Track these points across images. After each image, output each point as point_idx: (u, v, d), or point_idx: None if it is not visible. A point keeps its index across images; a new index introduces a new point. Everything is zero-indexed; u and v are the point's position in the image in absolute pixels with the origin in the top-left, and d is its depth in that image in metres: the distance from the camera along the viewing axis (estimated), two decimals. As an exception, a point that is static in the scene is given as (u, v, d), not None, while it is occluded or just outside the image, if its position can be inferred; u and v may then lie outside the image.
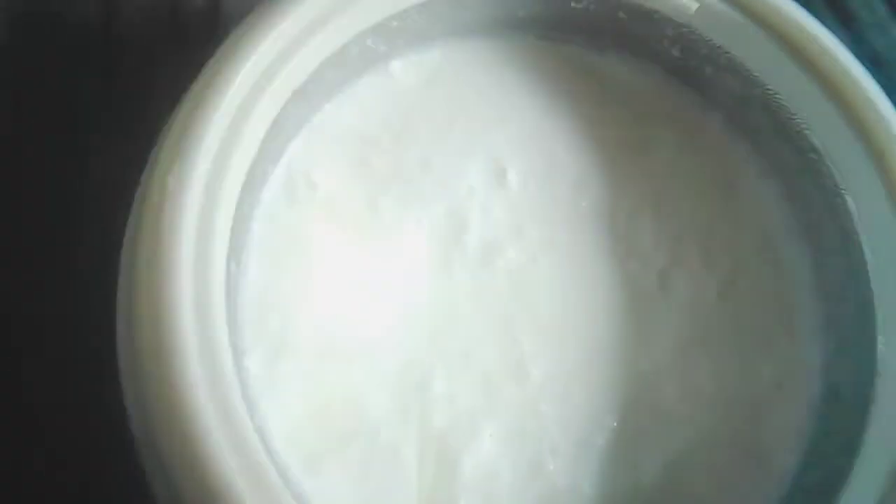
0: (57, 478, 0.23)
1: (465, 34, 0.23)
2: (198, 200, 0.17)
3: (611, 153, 0.24)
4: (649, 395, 0.22)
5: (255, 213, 0.21)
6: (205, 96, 0.18)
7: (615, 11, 0.23)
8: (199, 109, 0.18)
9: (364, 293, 0.21)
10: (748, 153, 0.24)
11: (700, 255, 0.23)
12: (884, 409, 0.20)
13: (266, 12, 0.19)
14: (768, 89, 0.23)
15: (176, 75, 0.19)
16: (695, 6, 0.22)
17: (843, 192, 0.22)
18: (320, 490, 0.19)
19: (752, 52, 0.22)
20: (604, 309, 0.22)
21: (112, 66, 0.27)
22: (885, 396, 0.20)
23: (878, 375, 0.20)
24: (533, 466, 0.21)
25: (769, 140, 0.24)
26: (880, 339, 0.21)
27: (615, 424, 0.21)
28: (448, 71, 0.23)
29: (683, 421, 0.22)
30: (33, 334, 0.24)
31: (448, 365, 0.21)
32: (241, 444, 0.16)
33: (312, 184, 0.22)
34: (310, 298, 0.21)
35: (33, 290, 0.24)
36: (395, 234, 0.22)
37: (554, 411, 0.21)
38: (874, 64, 0.22)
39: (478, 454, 0.20)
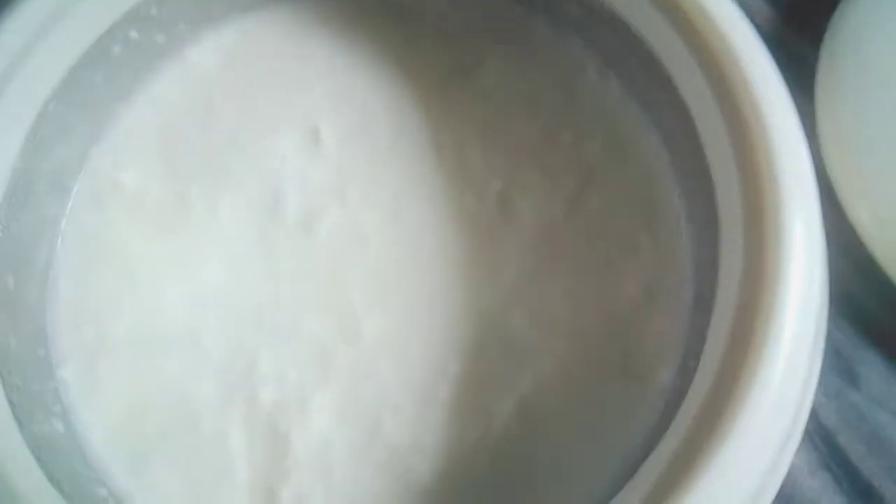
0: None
1: (253, 8, 0.23)
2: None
3: (430, 90, 0.22)
4: (495, 332, 0.20)
5: (62, 226, 0.21)
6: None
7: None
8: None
9: (183, 286, 0.21)
10: (582, 51, 0.22)
11: (541, 172, 0.21)
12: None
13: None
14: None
15: None
16: None
17: (672, 78, 0.19)
18: (148, 489, 0.19)
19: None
20: (439, 251, 0.21)
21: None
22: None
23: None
24: (370, 431, 0.19)
25: (600, 36, 0.21)
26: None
27: (459, 370, 0.20)
28: (246, 46, 0.23)
29: (537, 351, 0.20)
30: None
31: (275, 342, 0.20)
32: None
33: (120, 186, 0.21)
34: (126, 300, 0.20)
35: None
36: (209, 221, 0.21)
37: (391, 369, 0.20)
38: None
39: (309, 428, 0.19)
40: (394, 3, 0.23)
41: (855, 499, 0.22)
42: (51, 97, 0.19)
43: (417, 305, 0.20)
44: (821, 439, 0.23)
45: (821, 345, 0.18)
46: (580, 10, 0.21)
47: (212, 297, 0.21)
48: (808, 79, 0.24)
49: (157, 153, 0.22)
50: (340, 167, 0.22)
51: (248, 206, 0.21)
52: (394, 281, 0.21)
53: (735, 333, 0.16)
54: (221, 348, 0.20)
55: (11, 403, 0.17)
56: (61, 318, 0.20)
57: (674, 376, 0.19)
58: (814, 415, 0.21)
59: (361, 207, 0.21)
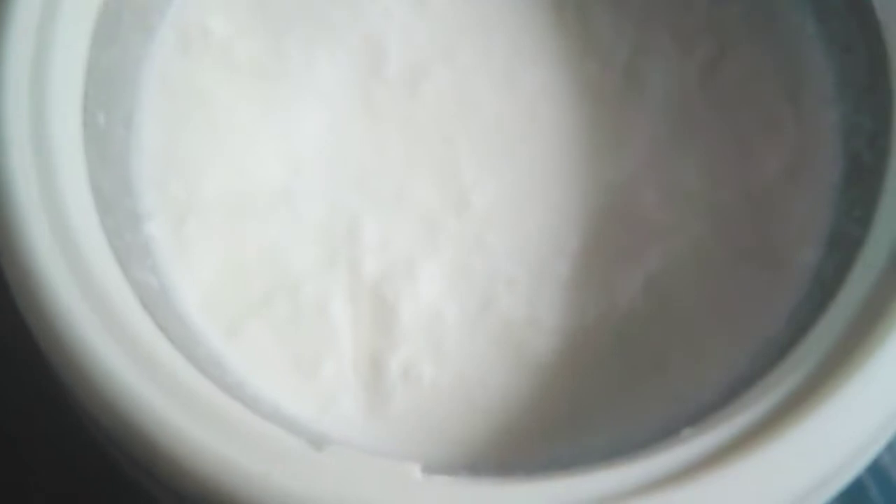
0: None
1: None
2: (25, 55, 0.15)
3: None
4: (621, 207, 0.18)
5: (144, 69, 0.19)
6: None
7: None
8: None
9: (277, 144, 0.19)
10: None
11: (673, 38, 0.19)
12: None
13: None
14: None
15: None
16: None
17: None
18: (244, 353, 0.17)
19: None
20: (558, 119, 0.19)
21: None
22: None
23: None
24: (482, 303, 0.18)
25: None
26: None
27: (580, 246, 0.18)
28: None
29: (668, 230, 0.18)
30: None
31: (379, 207, 0.19)
32: (98, 303, 0.15)
33: (207, 31, 0.19)
34: (216, 155, 0.19)
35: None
36: (306, 75, 0.19)
37: (504, 240, 0.18)
38: None
39: (417, 298, 0.18)
40: None
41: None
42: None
43: (533, 176, 0.19)
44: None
45: None
46: None
47: (309, 157, 0.19)
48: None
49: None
50: (449, 23, 0.20)
51: (347, 61, 0.20)
52: (507, 149, 0.19)
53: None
54: (321, 212, 0.18)
55: (112, 247, 0.15)
56: (147, 170, 0.18)
57: (818, 261, 0.17)
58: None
59: (472, 69, 0.20)
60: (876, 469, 0.21)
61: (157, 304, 0.16)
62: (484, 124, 0.19)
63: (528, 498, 0.14)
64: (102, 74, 0.17)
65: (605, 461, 0.14)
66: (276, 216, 0.18)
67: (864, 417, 0.14)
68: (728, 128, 0.19)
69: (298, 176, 0.19)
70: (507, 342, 0.18)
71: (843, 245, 0.16)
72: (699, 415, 0.15)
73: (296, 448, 0.14)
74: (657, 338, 0.17)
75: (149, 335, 0.15)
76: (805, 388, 0.14)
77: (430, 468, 0.14)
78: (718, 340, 0.17)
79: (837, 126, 0.18)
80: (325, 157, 0.19)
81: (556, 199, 0.18)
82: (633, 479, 0.14)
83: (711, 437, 0.14)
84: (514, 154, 0.19)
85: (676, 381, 0.17)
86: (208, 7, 0.20)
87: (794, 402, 0.14)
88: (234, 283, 0.18)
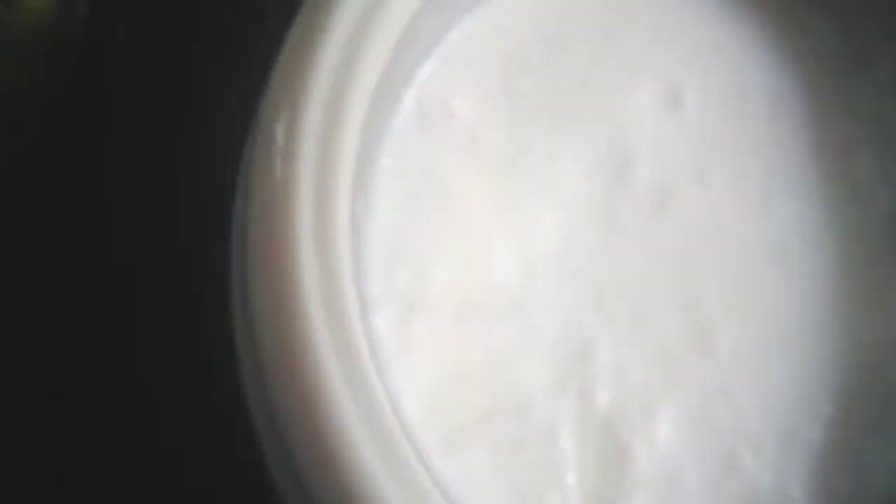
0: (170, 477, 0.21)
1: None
2: (314, 129, 0.14)
3: (816, 76, 0.19)
4: (878, 374, 0.17)
5: (384, 144, 0.18)
6: (314, 13, 0.15)
7: None
8: (310, 24, 0.14)
9: (511, 240, 0.18)
10: None
11: (945, 198, 0.18)
12: None
13: None
14: None
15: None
16: None
17: None
18: (461, 474, 0.16)
19: None
20: (813, 265, 0.18)
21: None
22: None
23: None
24: (725, 462, 0.16)
25: None
26: None
27: (833, 412, 0.17)
28: (610, -24, 0.19)
29: (930, 411, 0.17)
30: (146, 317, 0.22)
31: (615, 331, 0.17)
32: (374, 420, 0.13)
33: (449, 111, 0.18)
34: (446, 245, 0.17)
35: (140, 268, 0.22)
36: (547, 171, 0.18)
37: (750, 394, 0.17)
38: None
39: (654, 442, 0.16)
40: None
41: None
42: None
43: (784, 326, 0.17)
44: None
45: None
46: None
47: (545, 262, 0.17)
48: None
49: (498, 81, 0.18)
50: (703, 141, 0.18)
51: (592, 164, 0.18)
52: (756, 289, 0.18)
53: None
54: (554, 325, 0.17)
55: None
56: (376, 254, 0.17)
57: None
58: None
59: (723, 193, 0.18)
60: None
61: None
62: (732, 256, 0.18)
63: None
64: (365, 151, 0.16)
65: None
66: (507, 324, 0.17)
67: None
68: None
69: (531, 282, 0.17)
70: (752, 511, 0.16)
71: None
72: None
73: None
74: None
75: (400, 437, 0.13)
76: None
77: None
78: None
79: None
80: (560, 264, 0.17)
81: (809, 355, 0.17)
82: None
83: None
84: (763, 296, 0.17)
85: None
86: (453, 85, 0.18)
87: None
88: (458, 393, 0.16)
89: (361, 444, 0.13)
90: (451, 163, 0.18)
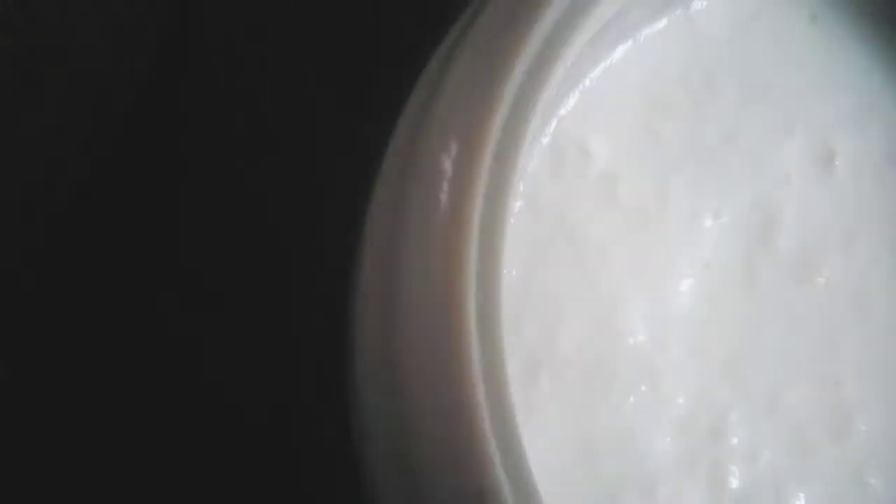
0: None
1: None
2: (484, 177, 0.13)
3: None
4: None
5: (518, 189, 0.16)
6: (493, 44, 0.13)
7: None
8: (485, 58, 0.13)
9: (645, 301, 0.16)
10: None
11: None
12: None
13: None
14: None
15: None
16: None
17: None
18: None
19: None
20: (963, 351, 0.17)
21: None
22: None
23: None
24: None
25: None
26: None
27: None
28: (765, 20, 0.18)
29: None
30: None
31: (749, 408, 0.16)
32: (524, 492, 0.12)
33: (586, 154, 0.17)
34: (576, 302, 0.16)
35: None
36: (686, 226, 0.17)
37: (887, 483, 0.16)
38: None
39: (788, 532, 0.15)
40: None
41: None
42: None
43: (926, 411, 0.16)
44: None
45: None
46: None
47: (678, 325, 0.16)
48: None
49: (639, 124, 0.17)
50: (853, 205, 0.17)
51: (734, 223, 0.17)
52: (897, 370, 0.17)
53: None
54: (685, 395, 0.16)
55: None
56: (504, 304, 0.16)
57: None
58: None
59: (870, 263, 0.17)
60: None
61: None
62: (876, 332, 0.17)
63: None
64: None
65: None
66: (638, 390, 0.16)
67: None
68: None
69: (664, 345, 0.16)
70: None
71: None
72: None
73: None
74: None
75: None
76: None
77: None
78: None
79: None
80: (695, 329, 0.16)
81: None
82: None
83: None
84: (906, 379, 0.16)
85: None
86: (590, 124, 0.17)
87: None
88: (584, 463, 0.15)
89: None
90: (583, 208, 0.17)
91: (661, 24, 0.17)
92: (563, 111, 0.17)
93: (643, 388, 0.16)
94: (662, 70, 0.17)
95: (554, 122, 0.17)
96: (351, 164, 0.16)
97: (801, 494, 0.16)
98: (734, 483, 0.16)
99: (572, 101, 0.17)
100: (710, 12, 0.18)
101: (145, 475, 0.20)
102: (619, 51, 0.17)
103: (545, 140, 0.17)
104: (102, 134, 0.21)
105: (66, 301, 0.20)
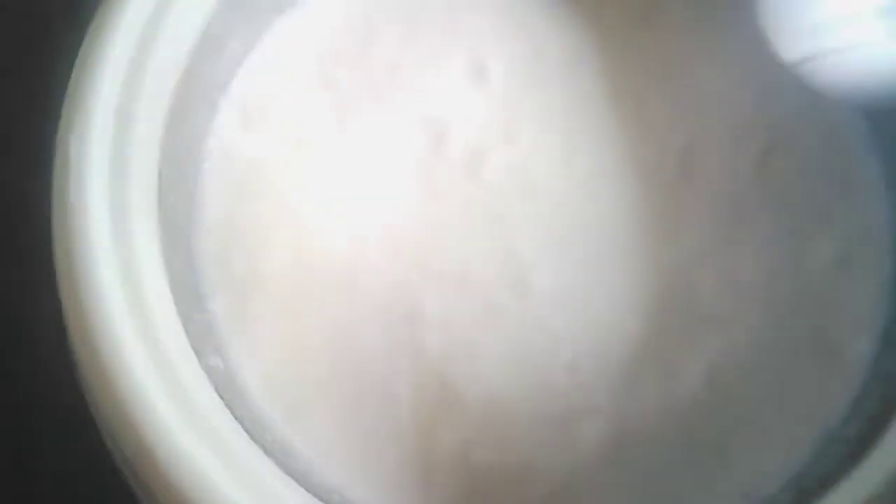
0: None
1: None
2: (104, 142, 0.15)
3: (608, 30, 0.21)
4: (681, 295, 0.19)
5: (208, 146, 0.19)
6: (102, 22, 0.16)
7: None
8: (96, 40, 0.16)
9: (339, 219, 0.19)
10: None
11: (727, 129, 0.20)
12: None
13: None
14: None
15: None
16: None
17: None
18: (305, 436, 0.17)
19: None
20: (615, 205, 0.19)
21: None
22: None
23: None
24: (542, 387, 0.18)
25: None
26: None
27: (641, 332, 0.18)
28: (409, -35, 0.21)
29: (726, 319, 0.18)
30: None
31: (440, 288, 0.19)
32: (177, 389, 0.14)
33: (269, 109, 0.20)
34: (278, 231, 0.19)
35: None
36: (366, 152, 0.20)
37: (564, 325, 0.18)
38: None
39: (478, 379, 0.18)
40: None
41: None
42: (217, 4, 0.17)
43: (592, 260, 0.19)
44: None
45: None
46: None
47: (372, 234, 0.19)
48: None
49: (313, 76, 0.20)
50: (508, 105, 0.20)
51: (409, 140, 0.20)
52: (566, 232, 0.19)
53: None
54: (384, 290, 0.19)
55: (187, 332, 0.15)
56: (209, 246, 0.18)
57: (875, 354, 0.18)
58: None
59: (530, 150, 0.20)
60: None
61: (224, 387, 0.16)
62: (542, 206, 0.19)
63: None
64: (173, 153, 0.17)
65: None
66: (340, 294, 0.18)
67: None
68: (781, 219, 0.19)
69: (361, 253, 0.19)
70: (566, 426, 0.18)
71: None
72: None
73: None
74: (718, 427, 0.18)
75: (227, 427, 0.15)
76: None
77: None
78: (780, 431, 0.17)
79: (888, 222, 0.19)
80: (387, 234, 0.19)
81: (616, 283, 0.19)
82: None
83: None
84: (573, 237, 0.19)
85: (739, 471, 0.17)
86: (272, 81, 0.20)
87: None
88: (298, 364, 0.18)
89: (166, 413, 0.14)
90: (273, 153, 0.19)
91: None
92: (243, 75, 0.20)
93: (345, 289, 0.18)
94: (327, 25, 0.20)
95: (236, 86, 0.20)
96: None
97: (493, 347, 0.18)
98: (433, 347, 0.18)
99: (251, 65, 0.20)
100: (362, -31, 0.21)
101: None
102: (286, 15, 0.20)
103: (229, 101, 0.19)
104: None
105: None
